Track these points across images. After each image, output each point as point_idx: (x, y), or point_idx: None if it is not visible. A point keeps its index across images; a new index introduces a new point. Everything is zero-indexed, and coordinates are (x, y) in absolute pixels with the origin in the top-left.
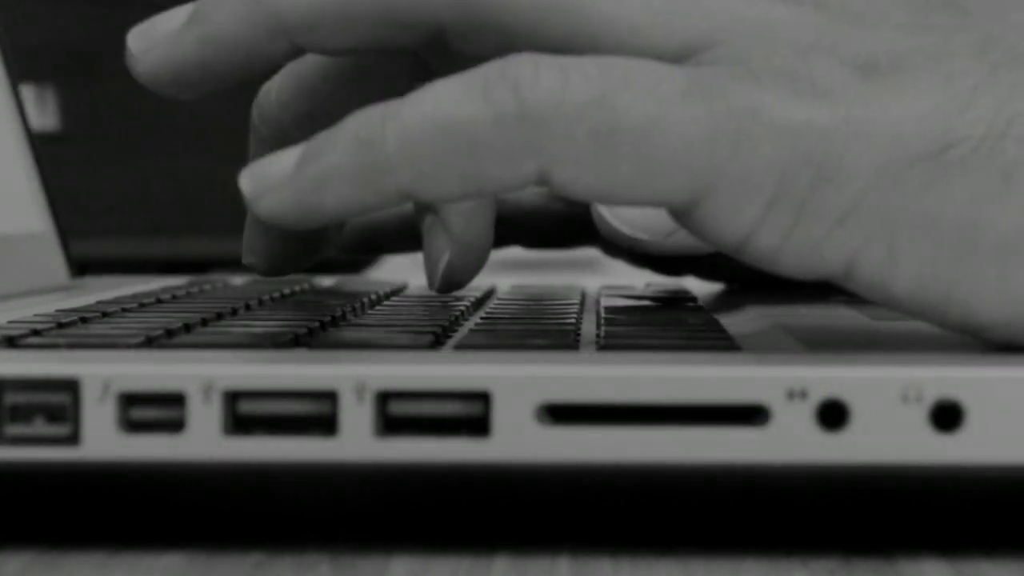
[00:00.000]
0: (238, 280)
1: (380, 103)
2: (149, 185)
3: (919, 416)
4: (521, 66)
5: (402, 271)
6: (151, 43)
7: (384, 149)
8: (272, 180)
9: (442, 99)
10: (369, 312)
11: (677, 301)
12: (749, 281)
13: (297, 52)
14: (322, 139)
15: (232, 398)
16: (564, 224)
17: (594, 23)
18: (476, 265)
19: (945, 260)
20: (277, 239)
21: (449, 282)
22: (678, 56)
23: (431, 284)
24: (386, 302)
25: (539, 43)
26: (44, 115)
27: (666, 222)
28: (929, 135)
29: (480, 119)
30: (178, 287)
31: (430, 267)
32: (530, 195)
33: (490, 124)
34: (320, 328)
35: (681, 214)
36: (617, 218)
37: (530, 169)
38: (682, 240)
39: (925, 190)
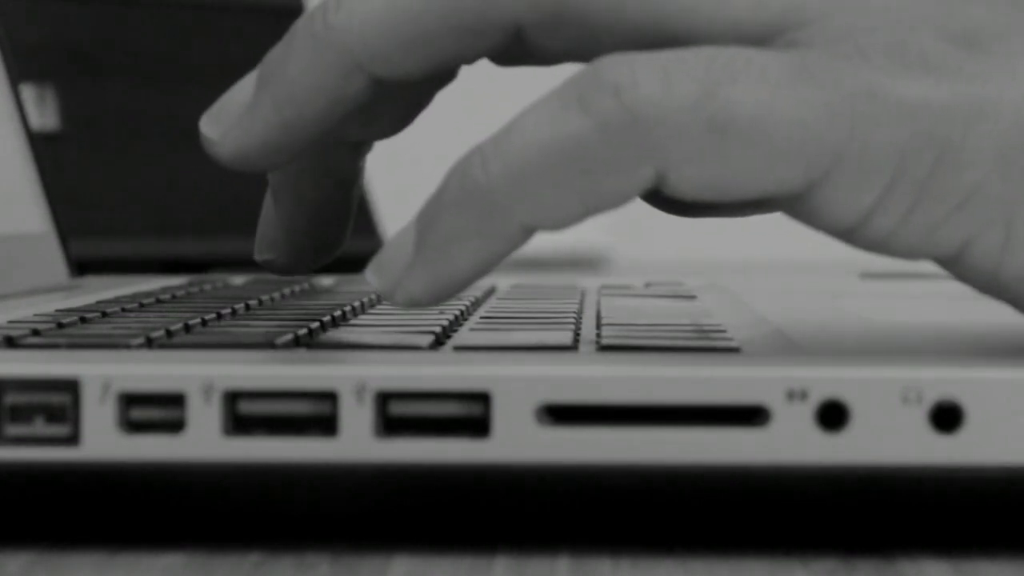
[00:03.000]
0: (238, 280)
1: (474, 146)
2: (149, 185)
3: (919, 417)
4: (616, 70)
5: None
6: (226, 124)
7: (494, 191)
8: (400, 268)
9: (540, 122)
10: (369, 312)
11: (677, 301)
12: None
13: (376, 87)
14: (430, 205)
15: (232, 398)
16: None
17: (677, 2)
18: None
19: None
20: (298, 234)
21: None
22: (765, 37)
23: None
24: (386, 302)
25: (620, 31)
26: (44, 115)
27: None
28: None
29: (586, 132)
30: (178, 287)
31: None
32: None
33: (597, 135)
34: (320, 328)
35: (791, 202)
36: None
37: (647, 174)
38: None
39: None
